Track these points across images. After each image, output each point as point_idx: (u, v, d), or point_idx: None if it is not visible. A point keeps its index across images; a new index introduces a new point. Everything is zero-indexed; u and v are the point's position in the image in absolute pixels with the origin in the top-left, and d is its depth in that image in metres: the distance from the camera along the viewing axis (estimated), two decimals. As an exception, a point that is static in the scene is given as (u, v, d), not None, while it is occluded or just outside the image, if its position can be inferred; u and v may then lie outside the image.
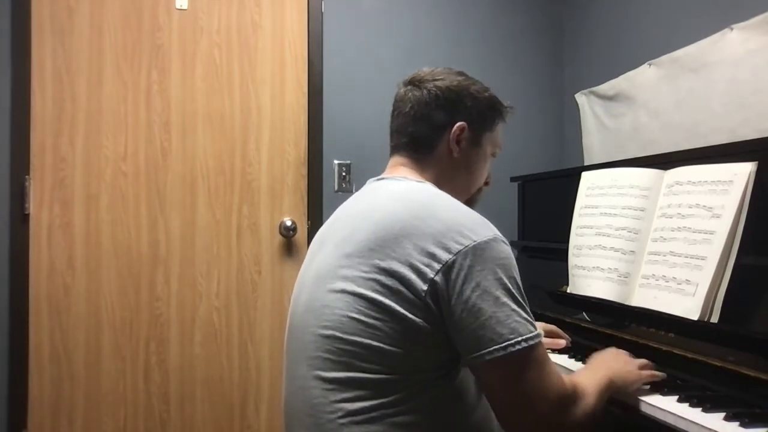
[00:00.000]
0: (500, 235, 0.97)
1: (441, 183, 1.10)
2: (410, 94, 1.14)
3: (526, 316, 0.93)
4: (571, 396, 0.95)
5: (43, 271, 2.17)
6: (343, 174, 2.44)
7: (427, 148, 1.13)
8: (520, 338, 0.90)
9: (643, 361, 1.19)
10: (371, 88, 2.44)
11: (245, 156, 2.36)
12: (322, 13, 2.43)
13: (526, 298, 0.96)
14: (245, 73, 2.37)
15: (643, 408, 1.08)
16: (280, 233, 2.37)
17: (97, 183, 2.22)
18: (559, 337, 1.50)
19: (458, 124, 1.12)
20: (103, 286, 2.22)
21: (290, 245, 2.39)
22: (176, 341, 2.28)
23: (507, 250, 0.96)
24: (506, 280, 0.93)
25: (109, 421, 2.21)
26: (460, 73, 1.16)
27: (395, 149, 1.16)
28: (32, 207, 2.16)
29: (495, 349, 0.90)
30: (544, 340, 1.38)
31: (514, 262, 0.97)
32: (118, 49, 2.25)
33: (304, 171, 2.42)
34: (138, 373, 2.24)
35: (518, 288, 0.95)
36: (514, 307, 0.92)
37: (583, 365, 1.36)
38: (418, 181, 1.09)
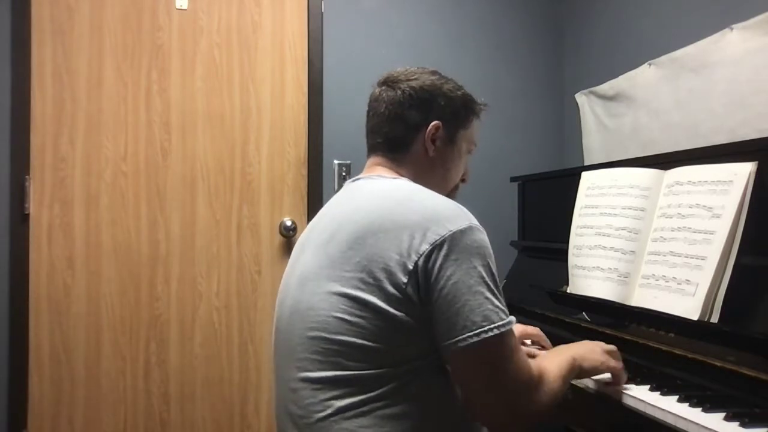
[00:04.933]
0: (476, 223, 0.98)
1: (418, 181, 1.11)
2: (384, 94, 1.16)
3: (498, 303, 0.94)
4: (537, 381, 0.96)
5: (43, 271, 2.17)
6: (343, 174, 2.44)
7: (402, 147, 1.14)
8: (492, 325, 0.91)
9: (611, 347, 1.16)
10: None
11: (245, 156, 2.36)
12: (322, 13, 2.43)
13: (499, 286, 0.97)
14: (245, 73, 2.37)
15: (643, 408, 1.08)
16: (280, 233, 2.38)
17: (97, 183, 2.22)
18: (542, 341, 1.43)
19: (433, 123, 1.13)
20: (103, 286, 2.22)
21: (290, 245, 2.39)
22: (176, 341, 2.28)
23: (483, 238, 0.97)
24: (480, 269, 0.94)
25: (109, 421, 2.21)
26: (434, 72, 1.17)
27: (372, 149, 1.18)
28: (32, 207, 2.16)
29: (468, 336, 0.91)
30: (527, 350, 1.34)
31: (490, 249, 0.98)
32: (118, 49, 2.25)
33: (304, 171, 2.42)
34: (138, 373, 2.24)
35: (492, 276, 0.96)
36: (488, 294, 0.93)
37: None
38: (393, 178, 1.11)
